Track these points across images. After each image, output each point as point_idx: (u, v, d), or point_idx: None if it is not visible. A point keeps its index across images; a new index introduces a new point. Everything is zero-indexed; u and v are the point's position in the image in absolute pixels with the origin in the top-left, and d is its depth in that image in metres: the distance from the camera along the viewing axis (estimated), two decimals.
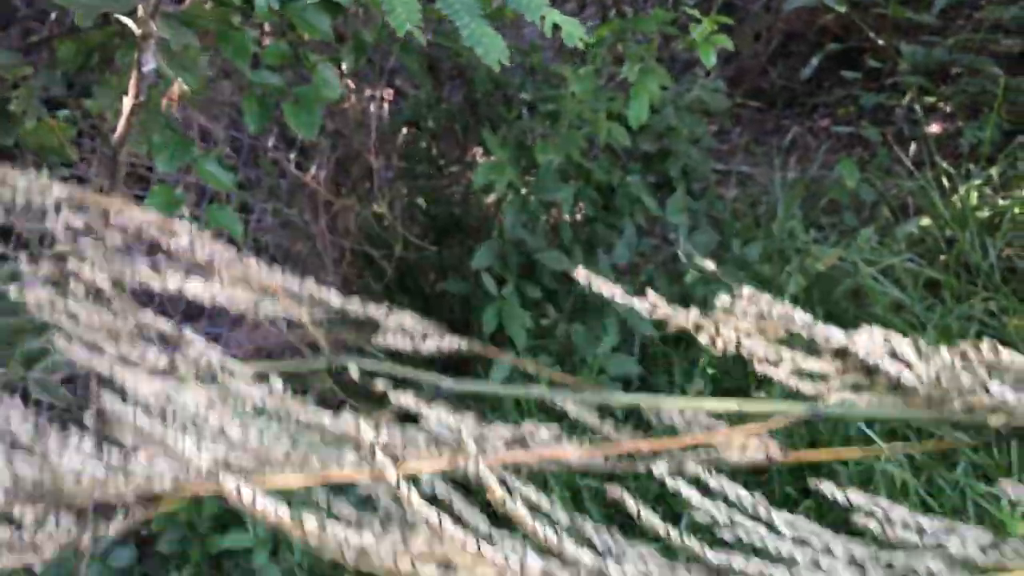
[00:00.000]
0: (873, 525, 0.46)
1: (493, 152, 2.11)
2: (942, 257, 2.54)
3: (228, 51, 1.36)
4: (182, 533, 2.22)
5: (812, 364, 0.44)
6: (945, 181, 2.70)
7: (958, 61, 3.21)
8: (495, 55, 1.23)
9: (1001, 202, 2.59)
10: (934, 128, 3.19)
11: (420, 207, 2.86)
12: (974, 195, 2.63)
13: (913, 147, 2.98)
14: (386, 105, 3.20)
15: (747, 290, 0.46)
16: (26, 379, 1.97)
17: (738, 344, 0.46)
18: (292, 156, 2.73)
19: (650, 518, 0.44)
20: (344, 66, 1.96)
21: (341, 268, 2.63)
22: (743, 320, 0.45)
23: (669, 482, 0.44)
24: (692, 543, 0.43)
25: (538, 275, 2.33)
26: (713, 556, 0.42)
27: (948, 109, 3.26)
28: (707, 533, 0.47)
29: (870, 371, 0.42)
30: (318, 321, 0.51)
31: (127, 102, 0.98)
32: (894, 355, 0.42)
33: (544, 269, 2.29)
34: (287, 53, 1.41)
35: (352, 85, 2.86)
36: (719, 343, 0.47)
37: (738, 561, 0.42)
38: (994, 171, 2.72)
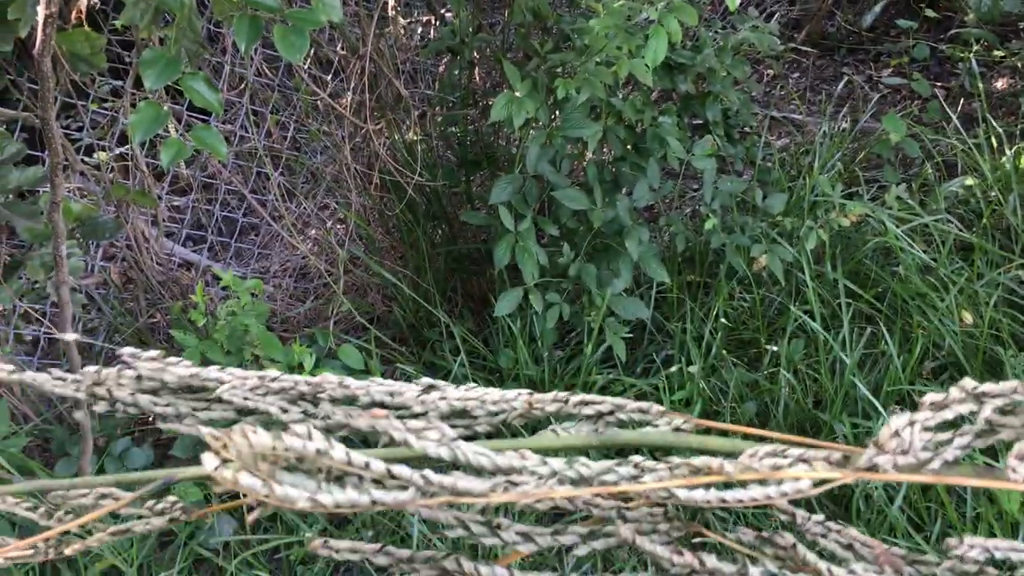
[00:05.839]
0: None
1: (514, 85, 2.09)
2: (983, 221, 2.45)
3: None
4: (196, 439, 2.29)
5: None
6: (995, 141, 2.58)
7: None
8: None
9: None
10: (999, 84, 3.04)
11: (455, 135, 2.84)
12: None
13: (969, 103, 2.84)
14: (432, 31, 3.17)
15: None
16: (44, 285, 2.04)
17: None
18: (328, 79, 2.73)
19: None
20: None
21: (370, 191, 2.65)
22: None
23: None
24: None
25: (557, 213, 2.32)
26: None
27: (1019, 65, 3.09)
28: None
29: None
30: None
31: (40, 11, 0.98)
32: None
33: (564, 207, 2.27)
34: None
35: (395, 10, 2.84)
36: None
37: None
38: None
